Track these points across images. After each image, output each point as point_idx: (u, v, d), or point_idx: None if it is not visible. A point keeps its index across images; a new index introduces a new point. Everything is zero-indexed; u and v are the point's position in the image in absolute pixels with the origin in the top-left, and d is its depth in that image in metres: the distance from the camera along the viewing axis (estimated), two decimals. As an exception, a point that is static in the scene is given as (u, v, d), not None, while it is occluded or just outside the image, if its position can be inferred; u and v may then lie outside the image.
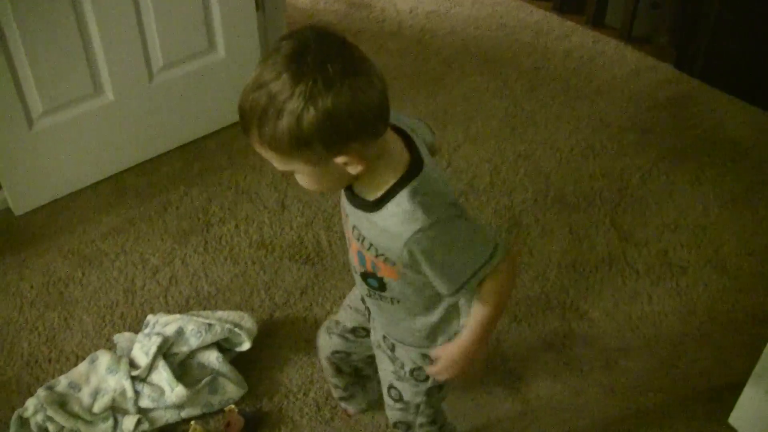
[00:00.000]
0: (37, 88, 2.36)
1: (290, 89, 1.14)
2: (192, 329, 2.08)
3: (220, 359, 2.08)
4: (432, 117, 2.82)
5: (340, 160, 1.21)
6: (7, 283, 2.35)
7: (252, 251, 2.43)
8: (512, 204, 2.57)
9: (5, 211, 2.53)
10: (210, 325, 2.08)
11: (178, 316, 2.13)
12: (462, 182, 2.62)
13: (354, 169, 1.23)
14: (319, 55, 1.16)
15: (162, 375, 2.04)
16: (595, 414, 2.09)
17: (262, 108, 1.17)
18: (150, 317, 2.19)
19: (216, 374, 2.06)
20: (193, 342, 2.08)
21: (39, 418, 1.98)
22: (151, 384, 2.04)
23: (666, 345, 2.21)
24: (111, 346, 2.17)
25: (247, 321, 2.14)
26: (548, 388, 2.13)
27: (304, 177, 1.27)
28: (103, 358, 2.10)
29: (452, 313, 1.50)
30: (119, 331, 2.22)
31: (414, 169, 1.28)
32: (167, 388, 2.02)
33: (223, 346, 2.12)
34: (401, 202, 1.27)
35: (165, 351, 2.07)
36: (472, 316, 1.43)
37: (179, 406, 2.03)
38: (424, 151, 1.33)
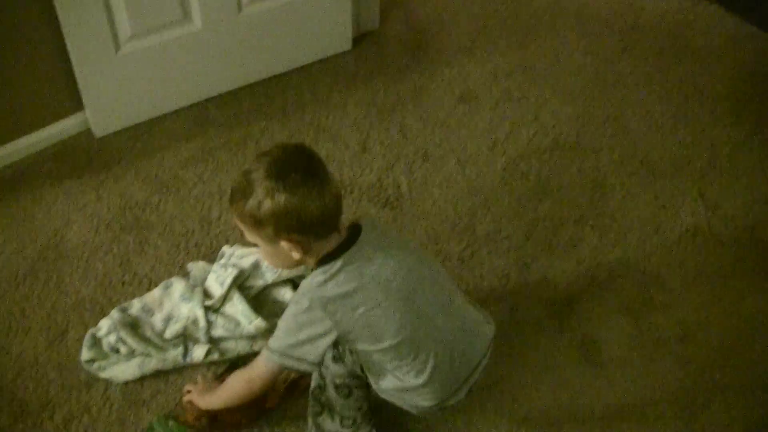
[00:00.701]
0: (127, 11, 2.34)
1: (261, 182, 1.54)
2: (268, 264, 2.07)
3: (295, 298, 2.07)
4: (520, 69, 2.75)
5: (284, 244, 1.59)
6: (85, 203, 2.36)
7: (330, 191, 2.40)
8: (598, 165, 2.50)
9: (85, 132, 2.53)
10: (287, 260, 2.07)
11: (255, 249, 2.11)
12: (548, 138, 2.56)
13: (296, 255, 1.61)
14: (289, 164, 1.55)
15: (237, 307, 2.03)
16: (668, 384, 2.04)
17: (241, 190, 1.57)
18: (225, 248, 2.18)
19: (290, 311, 2.05)
20: (269, 277, 2.07)
21: (111, 338, 2.00)
22: (225, 315, 2.04)
23: (746, 322, 2.14)
24: (184, 274, 2.17)
25: (324, 260, 2.13)
26: (623, 354, 2.09)
27: (262, 251, 1.68)
28: (178, 285, 2.10)
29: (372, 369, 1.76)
30: (193, 260, 2.21)
31: (320, 262, 1.62)
32: (243, 320, 2.01)
33: (297, 283, 2.11)
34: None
35: (240, 283, 2.07)
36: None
37: (252, 338, 2.03)
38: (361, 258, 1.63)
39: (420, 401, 1.75)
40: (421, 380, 1.69)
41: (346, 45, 2.77)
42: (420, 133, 2.56)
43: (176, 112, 2.60)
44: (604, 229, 2.34)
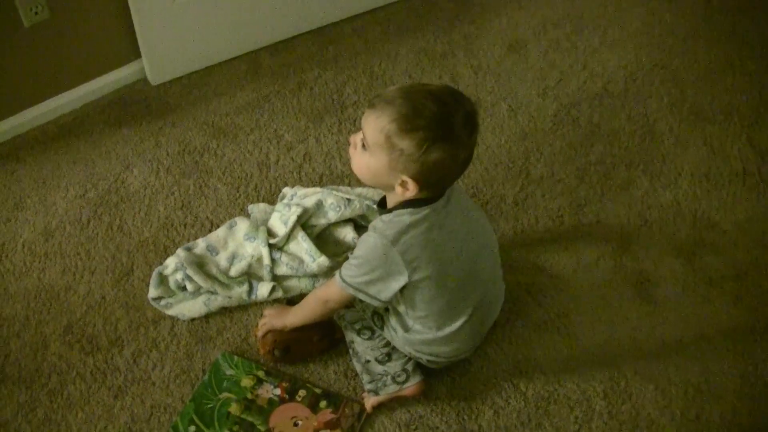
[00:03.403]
0: (185, -42, 2.38)
1: (425, 128, 1.51)
2: (331, 203, 2.11)
3: (356, 239, 2.11)
4: (568, 19, 2.77)
5: (405, 179, 1.55)
6: (144, 149, 2.40)
7: (384, 136, 2.43)
8: (647, 112, 2.52)
9: (142, 81, 2.57)
10: (349, 200, 2.11)
11: (318, 189, 2.16)
12: (596, 86, 2.58)
13: (399, 189, 1.58)
14: (456, 123, 1.52)
15: (302, 245, 2.07)
16: (720, 322, 2.09)
17: (402, 113, 1.51)
18: (286, 189, 2.22)
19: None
20: (332, 216, 2.11)
21: (178, 276, 2.05)
22: (289, 253, 2.08)
23: (799, 262, 2.19)
24: (245, 215, 2.22)
25: (385, 199, 2.16)
26: (676, 293, 2.13)
27: (368, 158, 1.59)
28: (242, 224, 2.15)
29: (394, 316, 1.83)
30: (253, 202, 2.26)
31: (407, 204, 1.62)
32: (307, 258, 2.06)
33: (358, 222, 2.16)
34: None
35: (303, 222, 2.11)
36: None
37: (314, 276, 2.07)
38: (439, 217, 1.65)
39: (437, 352, 1.84)
40: (445, 332, 1.78)
41: (397, -5, 2.79)
42: (471, 80, 2.59)
43: (230, 60, 2.63)
44: (654, 174, 2.37)
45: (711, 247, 2.22)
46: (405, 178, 1.56)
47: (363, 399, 1.91)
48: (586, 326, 2.06)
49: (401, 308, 1.77)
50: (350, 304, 1.84)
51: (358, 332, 1.89)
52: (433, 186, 1.60)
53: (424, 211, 1.63)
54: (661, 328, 2.06)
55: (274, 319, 1.93)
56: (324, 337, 1.96)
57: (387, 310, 1.83)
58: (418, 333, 1.79)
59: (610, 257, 2.18)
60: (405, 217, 1.63)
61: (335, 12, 2.72)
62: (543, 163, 2.37)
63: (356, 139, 1.63)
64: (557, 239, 2.21)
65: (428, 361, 1.86)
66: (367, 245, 1.67)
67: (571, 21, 2.77)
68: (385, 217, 1.67)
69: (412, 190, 1.58)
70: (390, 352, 1.88)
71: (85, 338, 2.01)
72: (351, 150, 1.66)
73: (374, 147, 1.57)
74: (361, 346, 1.90)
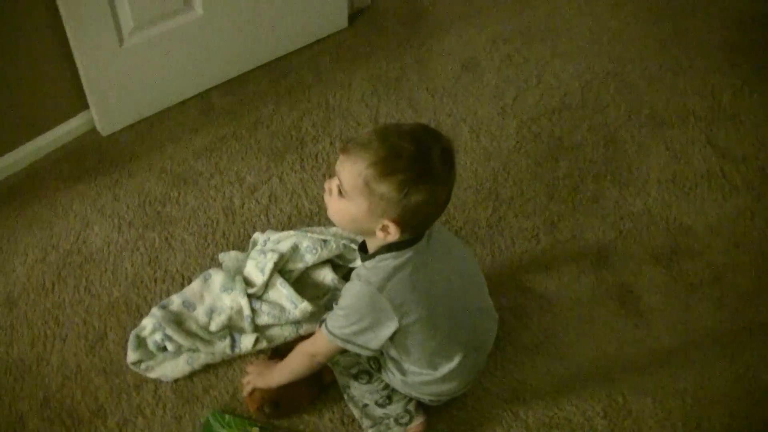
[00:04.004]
0: (129, 2, 2.28)
1: (404, 171, 1.46)
2: (307, 246, 2.06)
3: (336, 280, 2.06)
4: (517, 34, 2.77)
5: (385, 222, 1.51)
6: (102, 204, 2.31)
7: (348, 168, 2.39)
8: (606, 121, 2.53)
9: (91, 132, 2.47)
10: (325, 241, 2.06)
11: (291, 232, 2.10)
12: (554, 99, 2.58)
13: (381, 234, 1.54)
14: (433, 165, 1.48)
15: (281, 292, 2.02)
16: (706, 326, 2.10)
17: (381, 157, 1.47)
18: (257, 235, 2.16)
19: (335, 292, 2.04)
20: (309, 258, 2.06)
21: (157, 337, 1.97)
22: (269, 301, 2.03)
23: (774, 259, 2.21)
24: (216, 265, 2.15)
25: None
26: (659, 302, 2.14)
27: (346, 204, 1.55)
28: (217, 276, 2.08)
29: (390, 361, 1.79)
30: (223, 250, 2.19)
31: (389, 247, 1.59)
32: (289, 305, 2.00)
33: (336, 262, 2.11)
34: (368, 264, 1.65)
35: (280, 268, 2.06)
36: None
37: (298, 323, 2.02)
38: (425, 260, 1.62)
39: (438, 391, 1.81)
40: (443, 372, 1.75)
41: (343, 23, 2.75)
42: (429, 104, 2.57)
43: (181, 104, 2.55)
44: (622, 183, 2.38)
45: (687, 252, 2.23)
46: (386, 222, 1.52)
47: None
48: (575, 345, 2.05)
49: (394, 353, 1.73)
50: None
51: (356, 377, 1.85)
52: (414, 227, 1.57)
53: (408, 253, 1.59)
54: (649, 338, 2.07)
55: (258, 379, 1.88)
56: (313, 385, 1.91)
57: (382, 354, 1.79)
58: (416, 375, 1.76)
59: (590, 272, 2.18)
60: (389, 261, 1.59)
61: (283, 45, 2.67)
62: (511, 183, 2.36)
63: (332, 185, 1.57)
64: (535, 259, 2.20)
65: (430, 400, 1.83)
66: (352, 294, 1.63)
67: (521, 35, 2.77)
68: (368, 263, 1.63)
69: (393, 234, 1.53)
70: (390, 394, 1.84)
71: (64, 411, 1.92)
72: (326, 197, 1.61)
73: (352, 193, 1.52)
74: (359, 390, 1.86)
